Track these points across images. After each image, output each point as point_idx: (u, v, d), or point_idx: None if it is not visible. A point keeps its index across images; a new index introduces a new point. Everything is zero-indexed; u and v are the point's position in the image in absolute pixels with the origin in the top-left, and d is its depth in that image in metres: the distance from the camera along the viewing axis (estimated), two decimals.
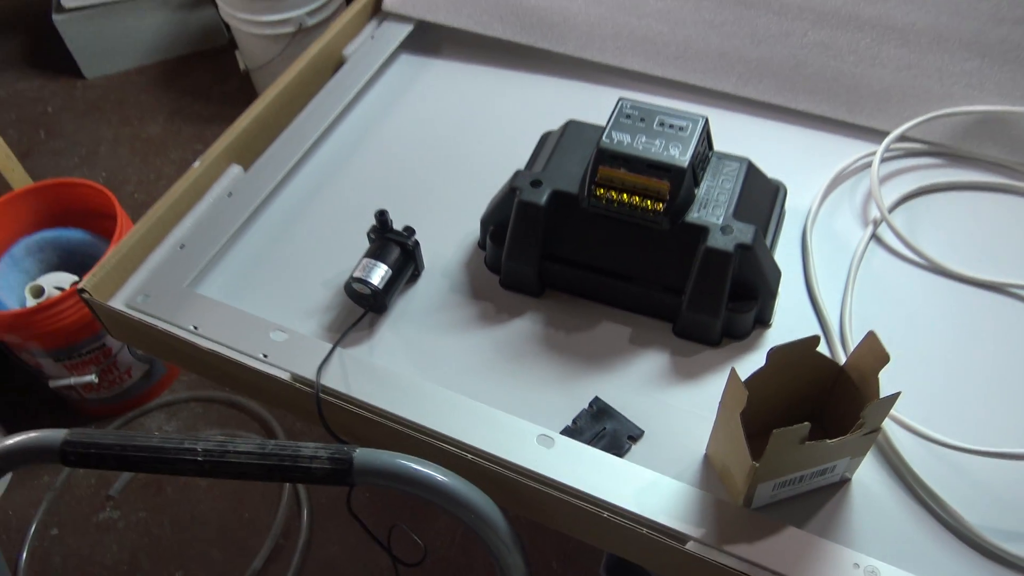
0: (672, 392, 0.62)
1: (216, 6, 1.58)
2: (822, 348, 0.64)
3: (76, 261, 1.32)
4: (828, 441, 0.49)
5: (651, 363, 0.64)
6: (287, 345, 0.63)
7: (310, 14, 1.54)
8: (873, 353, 0.51)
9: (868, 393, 0.52)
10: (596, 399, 0.62)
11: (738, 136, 0.78)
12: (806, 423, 0.48)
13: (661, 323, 0.66)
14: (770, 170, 0.71)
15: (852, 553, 0.52)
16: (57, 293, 1.23)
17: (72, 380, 1.26)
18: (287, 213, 0.75)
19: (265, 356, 0.62)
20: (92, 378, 1.26)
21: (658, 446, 0.59)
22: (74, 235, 1.32)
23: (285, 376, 0.61)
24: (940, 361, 0.63)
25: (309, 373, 0.61)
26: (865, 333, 0.52)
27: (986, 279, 0.66)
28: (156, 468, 0.54)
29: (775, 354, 0.52)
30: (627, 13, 0.82)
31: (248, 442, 0.54)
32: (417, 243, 0.67)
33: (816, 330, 0.65)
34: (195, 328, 0.64)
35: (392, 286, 0.66)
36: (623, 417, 0.60)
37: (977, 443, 0.56)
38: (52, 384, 1.27)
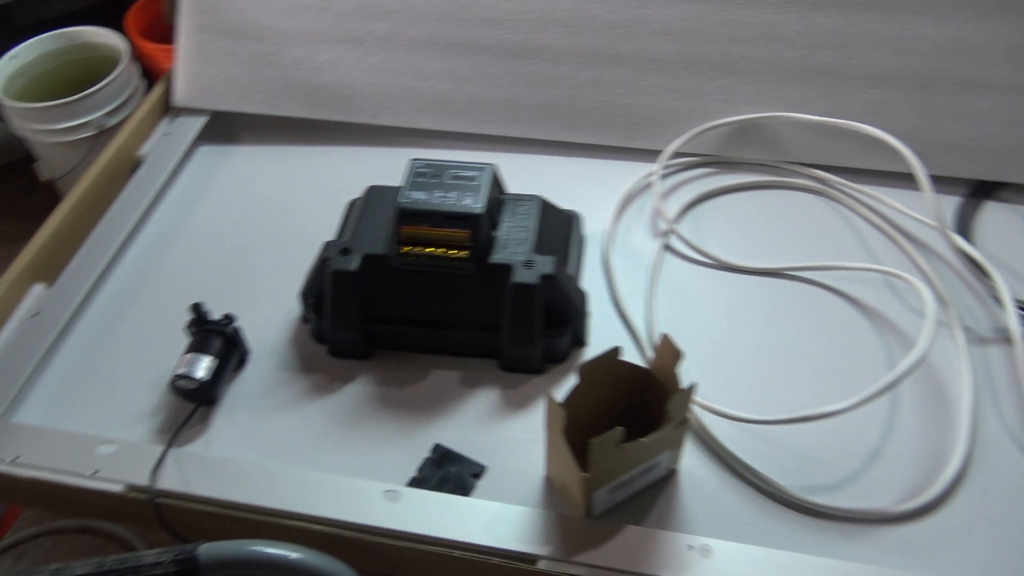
0: (507, 424, 0.65)
1: (3, 120, 1.51)
2: (635, 356, 0.69)
3: None
4: (642, 440, 0.54)
5: (484, 401, 0.67)
6: (117, 456, 0.62)
7: (109, 115, 1.50)
8: (670, 352, 0.57)
9: (673, 389, 0.57)
10: (437, 446, 0.64)
11: (533, 175, 0.83)
12: (619, 428, 0.52)
13: (487, 361, 0.69)
14: (565, 202, 0.76)
15: (686, 536, 0.56)
16: None
17: None
18: (101, 322, 0.73)
19: (96, 472, 0.61)
20: None
21: (502, 478, 0.62)
22: None
23: (118, 488, 0.60)
24: (738, 346, 0.69)
25: (143, 480, 0.60)
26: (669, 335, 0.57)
27: (765, 267, 0.74)
28: None
29: (584, 370, 0.56)
30: (412, 77, 0.86)
31: (85, 563, 0.52)
32: (236, 329, 0.67)
33: (628, 340, 0.70)
34: (16, 459, 0.62)
35: (219, 376, 0.66)
36: (465, 458, 0.63)
37: (777, 414, 0.62)
38: None
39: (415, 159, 0.69)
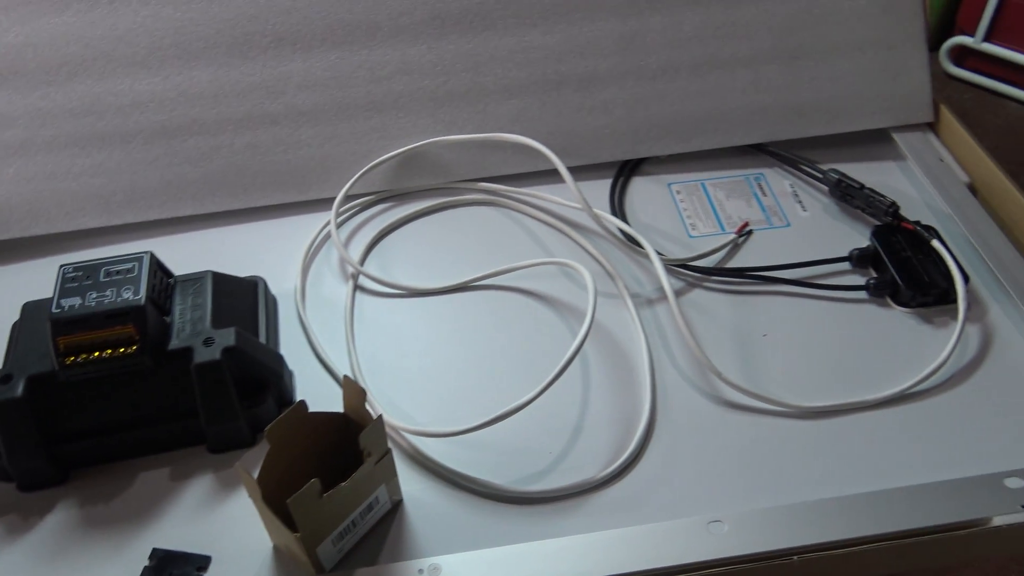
0: (227, 506, 0.63)
1: None
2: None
3: None
4: (342, 485, 0.55)
5: (198, 489, 0.64)
6: None
7: None
8: (354, 392, 0.58)
9: (366, 426, 0.59)
10: (155, 550, 0.61)
11: (213, 250, 0.82)
12: (313, 480, 0.52)
13: (195, 449, 0.67)
14: (251, 269, 0.76)
15: (416, 562, 0.58)
16: None
17: None
18: None
19: None
20: None
21: (230, 562, 0.60)
22: None
23: None
24: (441, 365, 0.72)
25: None
26: (364, 377, 0.58)
27: (452, 284, 0.78)
28: None
29: (270, 433, 0.56)
30: (61, 179, 0.82)
31: None
32: None
33: (336, 390, 0.71)
34: None
35: None
36: (187, 554, 0.61)
37: (480, 418, 0.64)
38: None
39: (63, 264, 0.65)
